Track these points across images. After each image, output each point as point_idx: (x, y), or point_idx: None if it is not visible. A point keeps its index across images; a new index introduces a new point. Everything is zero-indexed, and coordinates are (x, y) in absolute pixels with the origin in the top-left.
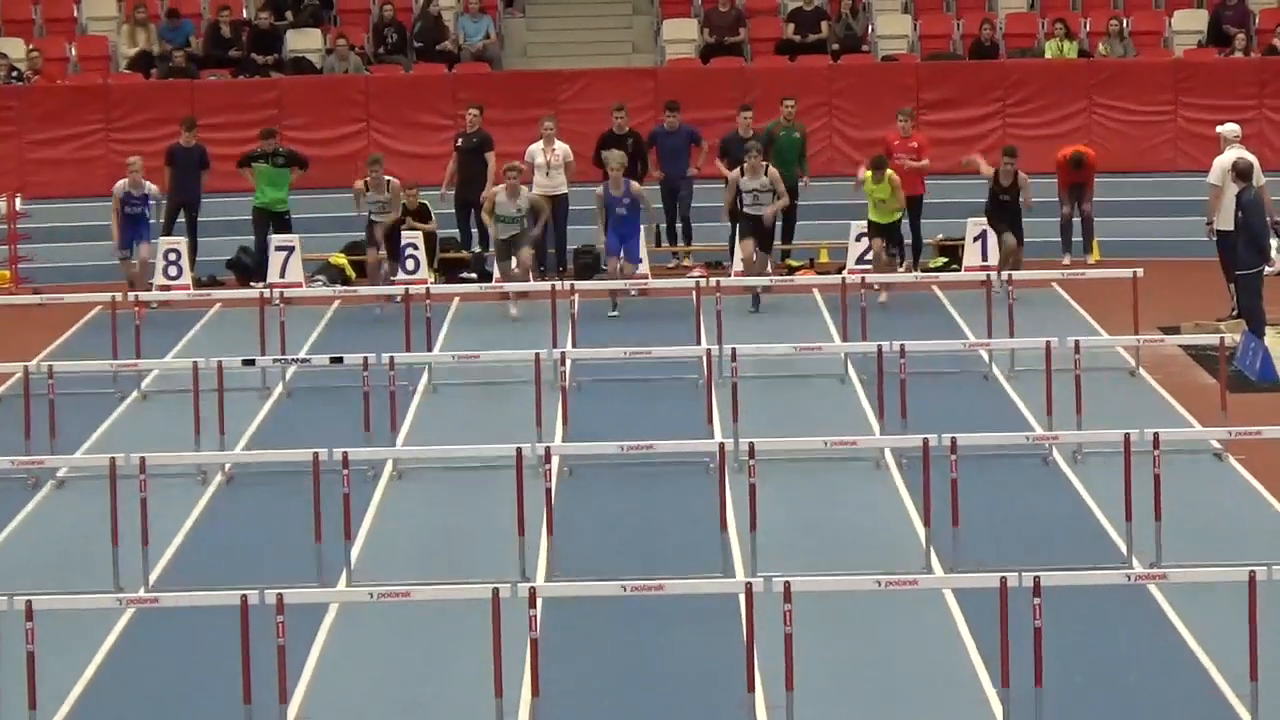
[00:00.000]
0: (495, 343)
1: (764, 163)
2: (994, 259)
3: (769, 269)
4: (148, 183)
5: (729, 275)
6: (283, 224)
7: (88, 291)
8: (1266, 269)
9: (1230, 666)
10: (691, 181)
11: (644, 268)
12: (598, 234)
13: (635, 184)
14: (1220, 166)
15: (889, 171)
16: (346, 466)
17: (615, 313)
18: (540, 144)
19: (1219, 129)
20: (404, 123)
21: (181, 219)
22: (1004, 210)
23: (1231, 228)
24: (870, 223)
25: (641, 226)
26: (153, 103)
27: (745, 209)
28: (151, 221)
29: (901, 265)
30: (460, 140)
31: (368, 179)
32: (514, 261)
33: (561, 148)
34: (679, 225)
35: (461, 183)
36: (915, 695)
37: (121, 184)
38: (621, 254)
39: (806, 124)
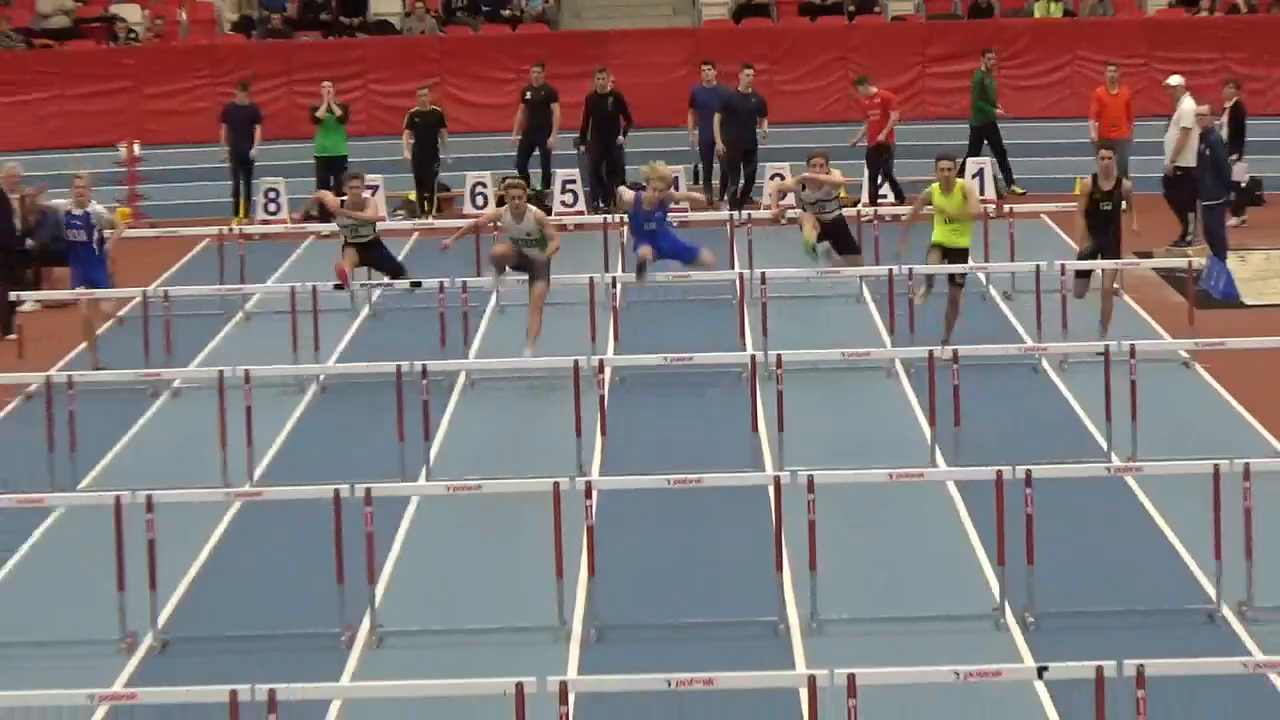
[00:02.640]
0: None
1: (827, 169)
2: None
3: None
4: (95, 203)
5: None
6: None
7: (197, 225)
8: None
9: (1197, 547)
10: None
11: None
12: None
13: (674, 192)
14: (1191, 111)
15: (960, 181)
16: (425, 377)
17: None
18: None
19: (1169, 81)
20: (473, 77)
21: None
22: (1101, 224)
23: (1195, 164)
24: (935, 246)
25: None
26: (253, 61)
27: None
28: (101, 254)
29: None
30: (529, 94)
31: (344, 197)
32: (530, 292)
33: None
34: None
35: (530, 130)
36: (922, 573)
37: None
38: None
39: (824, 78)
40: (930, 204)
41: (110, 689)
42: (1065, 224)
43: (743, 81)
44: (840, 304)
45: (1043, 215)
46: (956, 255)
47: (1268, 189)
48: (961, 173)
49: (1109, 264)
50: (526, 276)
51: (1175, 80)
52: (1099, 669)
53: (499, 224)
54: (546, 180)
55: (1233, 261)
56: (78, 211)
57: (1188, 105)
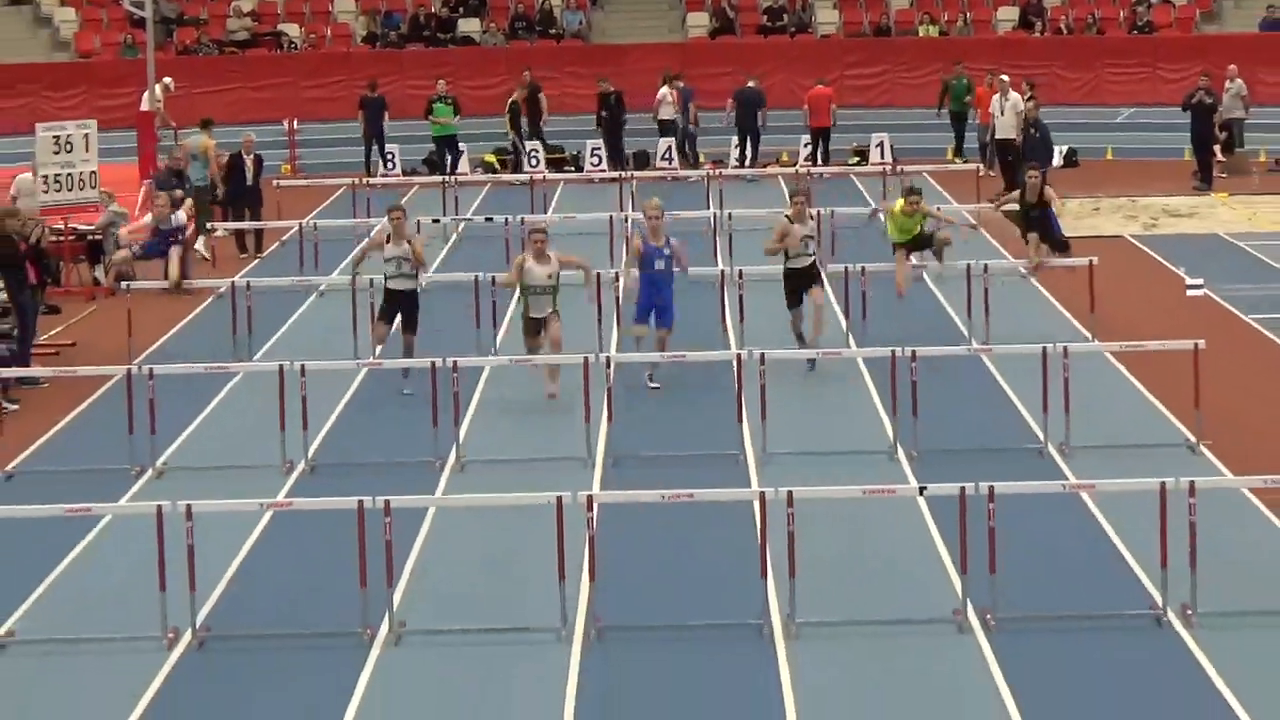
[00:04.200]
0: (585, 207)
1: (809, 208)
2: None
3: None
4: (178, 213)
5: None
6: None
7: (336, 177)
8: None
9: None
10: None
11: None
12: (625, 286)
13: (675, 240)
14: (1020, 100)
15: (923, 205)
16: (494, 284)
17: (655, 385)
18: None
19: (1002, 78)
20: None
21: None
22: (1036, 224)
23: (1013, 136)
24: (895, 244)
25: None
26: (376, 64)
27: (791, 261)
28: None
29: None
30: (524, 89)
31: (388, 231)
32: (543, 337)
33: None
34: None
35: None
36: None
37: (147, 219)
38: (652, 319)
39: (774, 81)
40: (895, 219)
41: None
42: (947, 183)
43: (748, 82)
44: None
45: (924, 173)
46: (916, 240)
47: (1081, 156)
48: (920, 196)
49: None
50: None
51: (1005, 78)
52: (961, 489)
53: (523, 268)
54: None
55: (1055, 204)
56: (166, 227)
57: (1015, 96)
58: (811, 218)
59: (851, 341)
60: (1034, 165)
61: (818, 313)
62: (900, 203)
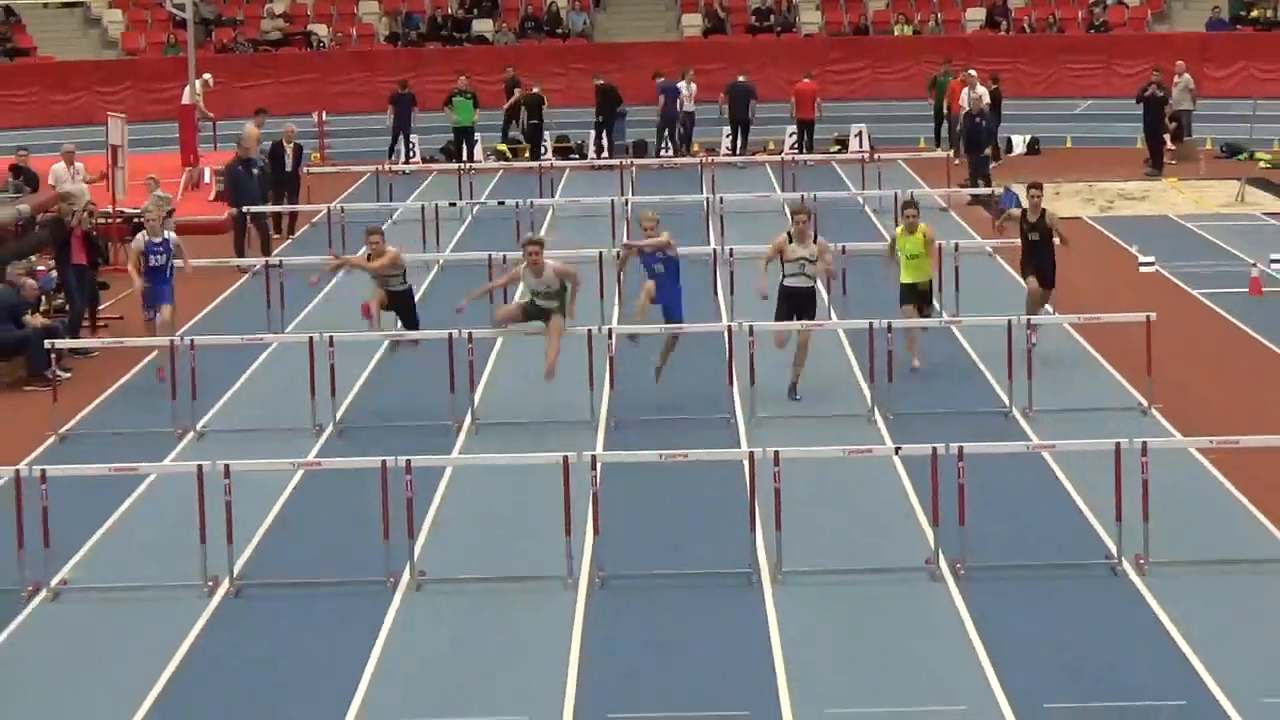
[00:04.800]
0: (589, 191)
1: (812, 230)
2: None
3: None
4: (168, 231)
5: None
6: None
7: (361, 164)
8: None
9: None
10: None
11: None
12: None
13: (670, 240)
14: (985, 94)
15: (922, 225)
16: (504, 261)
17: (634, 341)
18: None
19: (969, 72)
20: (537, 74)
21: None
22: (1034, 251)
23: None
24: (903, 286)
25: (682, 288)
26: (397, 60)
27: (787, 279)
28: (171, 276)
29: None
30: (507, 82)
31: (369, 253)
32: (547, 326)
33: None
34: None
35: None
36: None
37: (140, 236)
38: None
39: (762, 75)
40: (894, 245)
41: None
42: (920, 169)
43: (741, 76)
44: None
45: (900, 161)
46: (923, 291)
47: (1043, 145)
48: (917, 210)
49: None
50: (542, 324)
51: (973, 73)
52: (933, 449)
53: (519, 281)
54: (518, 135)
55: (1019, 189)
56: (157, 240)
57: (981, 89)
58: (815, 241)
59: (833, 314)
60: (1036, 185)
61: (802, 351)
62: (898, 229)
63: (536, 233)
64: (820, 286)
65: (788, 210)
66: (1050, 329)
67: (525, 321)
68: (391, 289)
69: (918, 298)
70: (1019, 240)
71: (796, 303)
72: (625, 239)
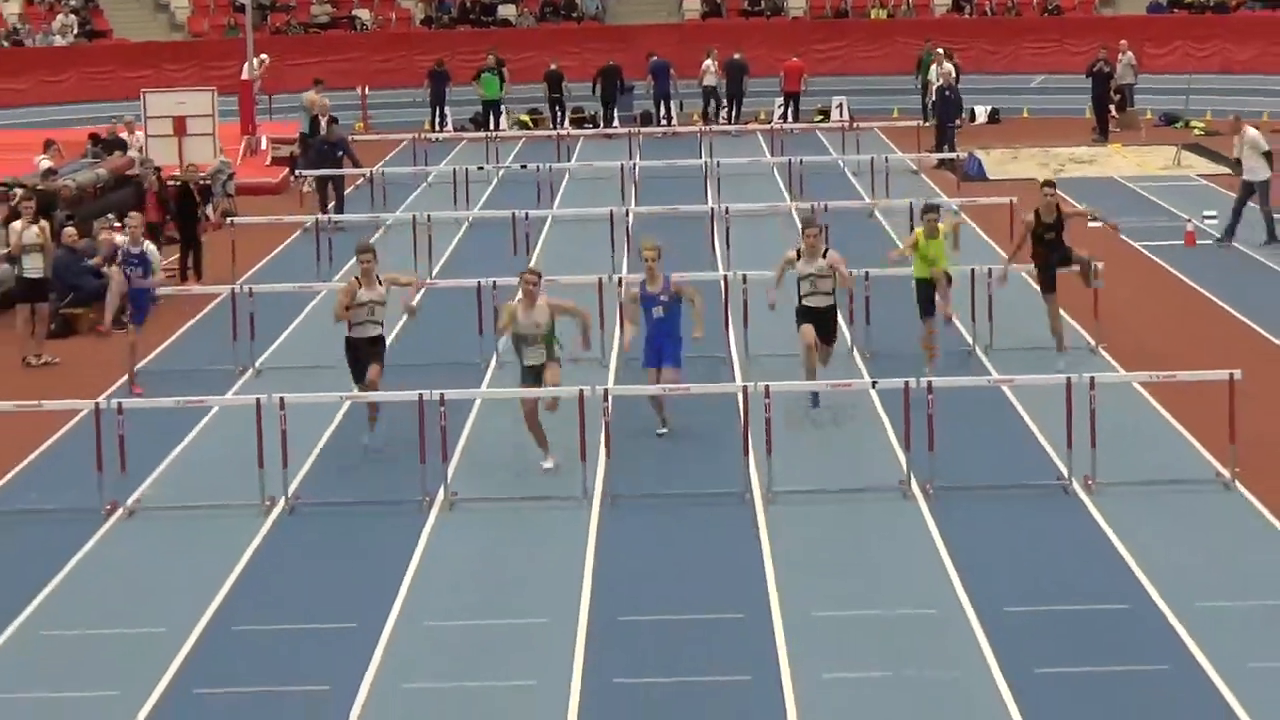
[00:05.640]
0: (601, 157)
1: (823, 244)
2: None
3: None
4: (147, 242)
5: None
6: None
7: (400, 133)
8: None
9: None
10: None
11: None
12: (625, 341)
13: (675, 279)
14: (953, 70)
15: (942, 226)
16: (527, 219)
17: (664, 430)
18: None
19: (938, 50)
20: (556, 51)
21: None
22: (1048, 253)
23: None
24: (918, 282)
25: (682, 338)
26: (431, 41)
27: (803, 299)
28: (145, 298)
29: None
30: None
31: (357, 275)
32: (542, 385)
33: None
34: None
35: (606, 96)
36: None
37: (122, 239)
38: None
39: (753, 54)
40: (915, 245)
41: (354, 392)
42: (893, 136)
43: (736, 54)
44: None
45: (876, 129)
46: (933, 285)
47: (1003, 115)
48: (938, 213)
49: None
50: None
51: (941, 50)
52: (906, 383)
53: (515, 318)
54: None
55: (981, 154)
56: (135, 250)
57: (949, 65)
58: (825, 256)
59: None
60: (1050, 183)
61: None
62: (919, 231)
63: (535, 263)
64: (838, 302)
65: (799, 223)
66: (1009, 278)
67: (535, 384)
68: (365, 335)
69: (932, 291)
70: (1029, 244)
71: (816, 323)
72: (618, 293)
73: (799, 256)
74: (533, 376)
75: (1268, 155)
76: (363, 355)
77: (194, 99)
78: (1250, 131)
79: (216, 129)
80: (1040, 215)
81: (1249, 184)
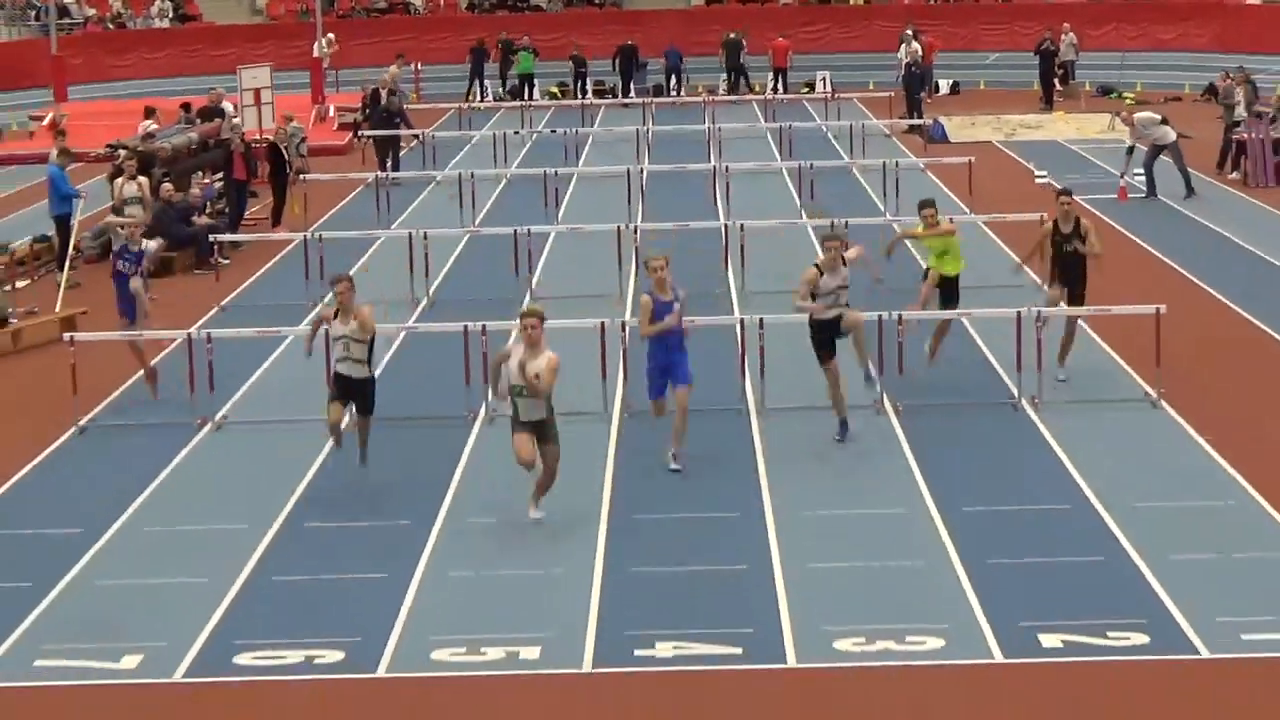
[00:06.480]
0: (619, 123)
1: (842, 255)
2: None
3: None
4: (146, 241)
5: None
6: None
7: (447, 102)
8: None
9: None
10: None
11: None
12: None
13: (682, 291)
14: (920, 49)
15: (944, 223)
16: (556, 175)
17: (678, 467)
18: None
19: (907, 31)
20: (582, 34)
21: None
22: (1069, 264)
23: (915, 71)
24: (941, 277)
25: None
26: (473, 24)
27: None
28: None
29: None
30: (501, 44)
31: (336, 307)
32: (536, 460)
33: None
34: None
35: (623, 71)
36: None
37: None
38: (667, 387)
39: (749, 35)
40: (916, 236)
41: (408, 323)
42: (869, 105)
43: (736, 32)
44: (769, 181)
45: (855, 100)
46: (952, 283)
47: (963, 87)
48: (934, 207)
49: (1076, 310)
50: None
51: (909, 31)
52: (879, 316)
53: (510, 359)
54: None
55: (944, 120)
56: (134, 249)
57: (916, 44)
58: (845, 264)
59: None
60: (1067, 192)
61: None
62: (919, 226)
63: (535, 301)
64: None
65: (816, 240)
66: (967, 225)
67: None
68: (347, 374)
69: (950, 288)
70: (1048, 259)
71: (832, 332)
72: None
73: (821, 273)
74: (529, 427)
75: (1165, 121)
76: (342, 388)
77: (259, 74)
78: (1138, 115)
79: (274, 98)
80: (1059, 225)
81: (1158, 147)
